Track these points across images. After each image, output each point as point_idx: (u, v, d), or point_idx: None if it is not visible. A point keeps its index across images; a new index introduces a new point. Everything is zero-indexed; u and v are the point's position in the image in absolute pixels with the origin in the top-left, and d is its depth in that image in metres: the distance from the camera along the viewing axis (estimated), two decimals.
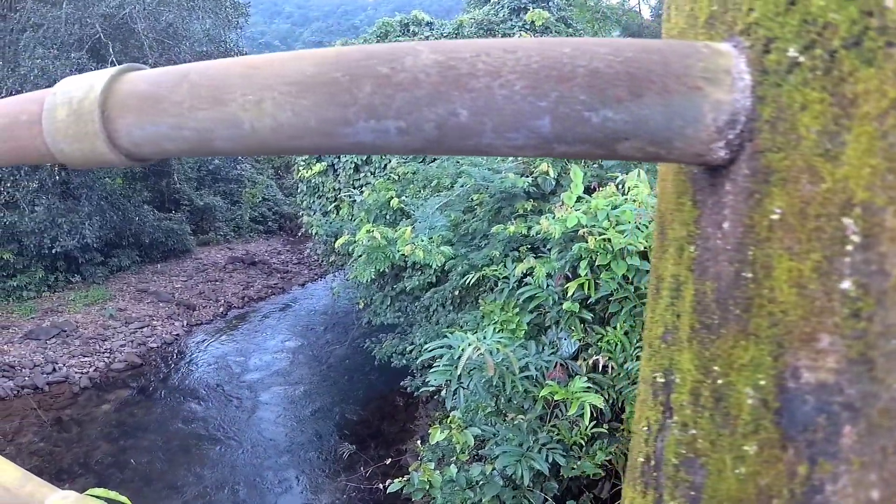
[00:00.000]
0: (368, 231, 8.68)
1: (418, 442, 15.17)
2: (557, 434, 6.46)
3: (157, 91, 0.94)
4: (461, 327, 8.93)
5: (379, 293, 13.91)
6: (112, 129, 0.97)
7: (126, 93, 0.97)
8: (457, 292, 9.85)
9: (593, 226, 6.46)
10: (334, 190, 19.48)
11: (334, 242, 17.22)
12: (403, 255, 8.43)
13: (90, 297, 26.05)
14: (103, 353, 22.90)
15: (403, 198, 11.83)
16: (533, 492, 6.52)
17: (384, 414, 18.06)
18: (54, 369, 21.68)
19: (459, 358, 5.93)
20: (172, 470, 17.03)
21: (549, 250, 7.54)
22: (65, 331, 23.65)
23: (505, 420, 6.88)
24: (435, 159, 13.63)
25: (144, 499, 16.02)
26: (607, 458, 6.42)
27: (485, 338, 6.13)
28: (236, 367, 22.20)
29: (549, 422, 6.53)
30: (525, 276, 7.77)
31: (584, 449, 6.44)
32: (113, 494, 4.01)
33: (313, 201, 20.26)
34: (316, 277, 30.07)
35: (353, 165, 18.91)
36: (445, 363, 6.23)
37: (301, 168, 20.13)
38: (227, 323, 26.07)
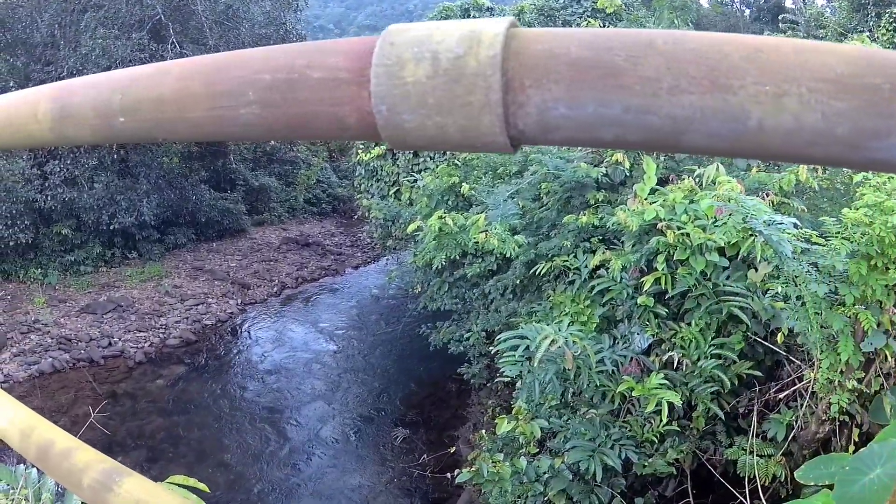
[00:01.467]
0: (440, 217, 8.57)
1: (474, 431, 15.20)
2: (629, 430, 6.38)
3: (611, 60, 0.65)
4: (527, 316, 8.85)
5: (436, 279, 13.85)
6: (516, 103, 0.68)
7: (544, 55, 0.67)
8: (518, 281, 9.75)
9: (671, 219, 6.33)
10: (392, 174, 19.34)
11: (392, 226, 17.19)
12: (476, 242, 8.25)
13: (146, 273, 26.38)
14: (158, 328, 23.17)
15: (471, 185, 11.68)
16: (601, 487, 6.47)
17: (436, 399, 18.07)
18: (110, 343, 22.00)
19: (536, 349, 5.83)
20: (224, 447, 17.18)
21: (623, 243, 7.44)
22: (121, 306, 23.94)
23: (575, 413, 6.81)
24: None
25: (196, 474, 16.05)
26: (676, 457, 6.36)
27: (560, 329, 6.04)
28: (289, 348, 22.32)
29: (622, 417, 6.46)
30: (597, 268, 7.67)
31: (655, 446, 6.37)
32: (192, 482, 4.04)
33: (371, 185, 20.15)
34: (369, 260, 30.16)
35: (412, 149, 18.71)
36: (520, 354, 6.12)
37: (360, 151, 20.05)
38: (281, 303, 26.21)
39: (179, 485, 3.82)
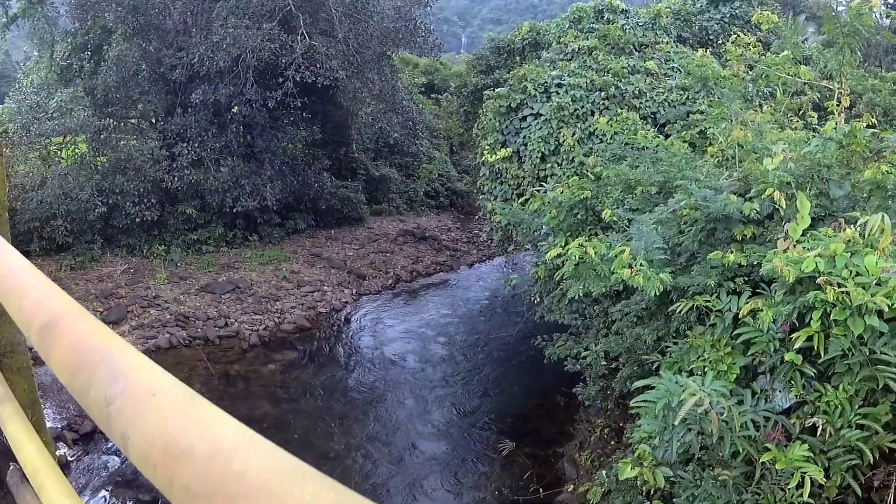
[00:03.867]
0: (580, 245, 8.33)
1: (580, 450, 14.99)
2: (762, 497, 6.11)
3: None
4: (659, 354, 8.57)
5: (557, 290, 13.31)
6: None
7: None
8: (646, 307, 9.45)
9: (830, 273, 6.04)
10: (517, 177, 19.11)
11: (513, 232, 17.01)
12: (620, 277, 7.97)
13: (265, 256, 26.85)
14: (274, 312, 23.55)
15: (611, 208, 11.33)
16: None
17: (544, 412, 17.83)
18: (226, 324, 22.49)
19: (678, 407, 5.59)
20: (328, 438, 17.31)
21: (773, 290, 7.05)
22: (239, 287, 24.39)
23: (704, 469, 6.57)
24: (627, 160, 13.22)
25: None
26: None
27: (703, 384, 5.82)
28: (400, 343, 22.42)
29: (756, 481, 6.20)
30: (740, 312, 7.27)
31: None
32: None
33: (494, 186, 19.91)
34: (484, 259, 30.06)
35: (539, 155, 18.56)
36: (660, 409, 5.85)
37: (486, 152, 19.79)
38: (395, 295, 26.35)
39: None
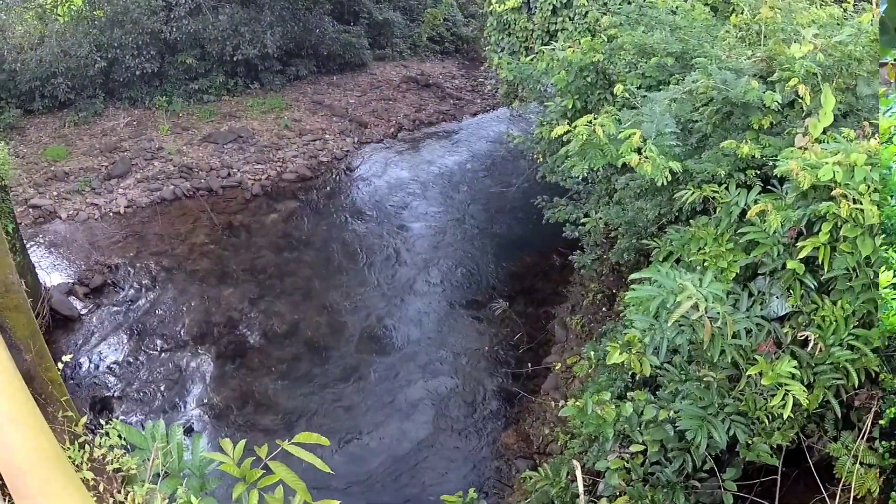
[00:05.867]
0: (588, 123, 8.05)
1: (572, 313, 15.11)
2: (743, 404, 6.17)
3: None
4: (659, 229, 8.51)
5: (561, 152, 13.34)
6: None
7: None
8: (650, 183, 9.21)
9: (847, 185, 5.85)
10: (525, 30, 18.33)
11: (519, 87, 16.64)
12: (623, 159, 7.70)
13: (267, 104, 26.69)
14: (276, 161, 23.66)
15: (623, 80, 10.88)
16: (698, 449, 6.41)
17: (539, 271, 18.15)
18: (229, 174, 22.65)
19: (673, 307, 5.65)
20: (329, 288, 17.69)
21: (785, 190, 6.80)
22: (241, 136, 24.38)
23: (690, 364, 6.66)
24: (644, 24, 12.77)
25: (301, 313, 16.69)
26: (780, 442, 6.19)
27: (701, 284, 5.80)
28: (401, 192, 22.58)
29: (740, 388, 6.25)
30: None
31: (762, 424, 6.22)
32: (315, 437, 4.19)
33: (502, 38, 19.12)
34: (488, 108, 29.70)
35: (550, 7, 17.51)
36: (654, 307, 5.88)
37: (494, 1, 18.89)
38: (397, 144, 26.31)
39: (301, 444, 3.96)
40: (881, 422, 6.12)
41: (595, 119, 8.01)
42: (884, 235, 5.95)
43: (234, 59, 25.80)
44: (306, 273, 18.32)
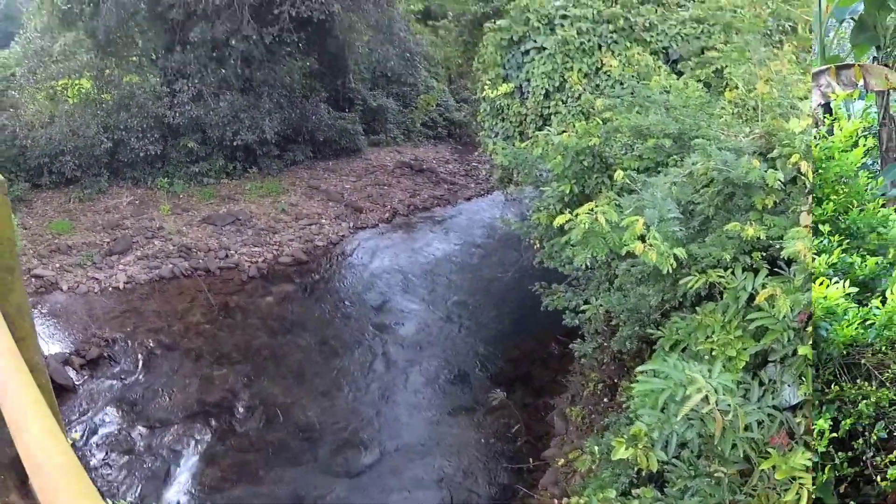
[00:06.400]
0: (590, 211, 7.93)
1: (572, 404, 14.81)
2: (755, 499, 6.00)
3: None
4: (663, 315, 8.44)
5: (559, 237, 12.29)
6: None
7: None
8: (653, 269, 9.01)
9: None
10: (519, 114, 18.29)
11: (515, 172, 16.54)
12: (627, 247, 7.51)
13: (265, 188, 27.05)
14: (272, 245, 23.85)
15: (623, 167, 10.78)
16: None
17: (536, 358, 17.99)
18: (227, 255, 22.85)
19: (683, 400, 5.51)
20: (322, 373, 17.61)
21: (793, 273, 6.78)
22: (239, 219, 24.66)
23: (699, 458, 6.51)
24: (639, 105, 12.74)
25: (294, 396, 16.64)
26: None
27: (710, 375, 5.67)
28: (396, 279, 22.59)
29: (752, 481, 6.05)
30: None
31: None
32: None
33: (495, 123, 19.05)
34: (482, 193, 29.91)
35: (543, 91, 17.55)
36: (662, 401, 5.74)
37: (486, 87, 18.92)
38: (392, 230, 26.46)
39: None
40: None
41: (596, 207, 7.91)
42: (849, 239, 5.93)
43: (234, 143, 26.37)
44: (300, 357, 18.27)
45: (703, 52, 16.62)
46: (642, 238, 7.38)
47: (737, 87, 11.59)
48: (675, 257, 7.26)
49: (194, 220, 24.52)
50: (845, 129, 7.70)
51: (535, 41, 18.07)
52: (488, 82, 19.00)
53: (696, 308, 7.87)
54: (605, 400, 13.38)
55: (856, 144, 7.33)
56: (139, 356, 17.87)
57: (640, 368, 6.34)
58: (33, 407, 2.69)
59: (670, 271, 7.45)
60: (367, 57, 34.41)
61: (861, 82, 9.62)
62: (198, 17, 25.08)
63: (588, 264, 11.39)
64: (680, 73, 16.23)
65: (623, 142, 11.67)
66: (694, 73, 15.70)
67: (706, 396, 5.47)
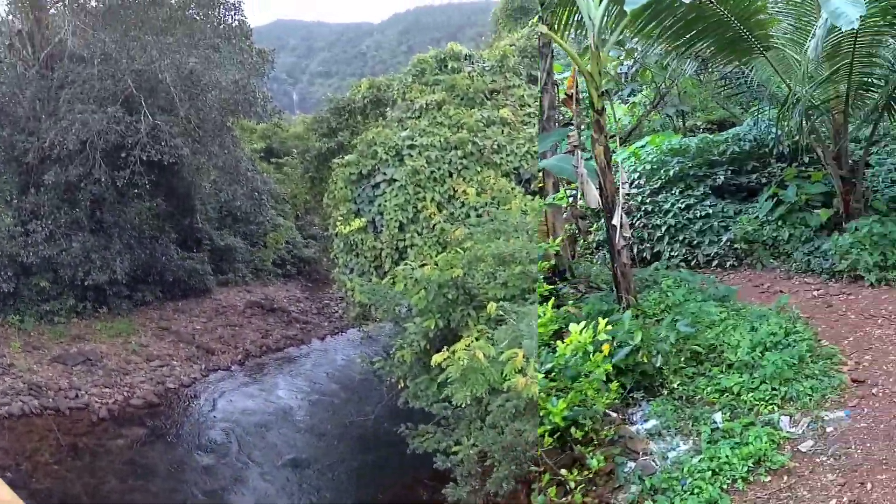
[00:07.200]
0: (466, 347, 7.96)
1: None
2: None
3: None
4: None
5: (424, 376, 12.19)
6: None
7: None
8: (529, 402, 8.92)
9: None
10: (374, 249, 18.19)
11: (373, 310, 16.13)
12: (508, 382, 7.51)
13: (115, 328, 26.57)
14: (124, 386, 23.33)
15: (494, 297, 10.97)
16: None
17: None
18: (77, 395, 22.30)
19: None
20: None
21: None
22: (90, 359, 24.19)
23: None
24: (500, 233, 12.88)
25: None
26: None
27: None
28: (249, 425, 22.08)
29: None
30: None
31: None
32: None
33: (350, 259, 18.85)
34: (336, 331, 30.04)
35: (397, 224, 17.61)
36: None
37: (339, 223, 18.89)
38: (244, 372, 26.18)
39: None
40: None
41: (473, 342, 7.93)
42: None
43: (85, 283, 26.02)
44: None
45: None
46: (522, 371, 7.52)
47: None
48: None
49: (45, 359, 23.86)
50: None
51: (384, 173, 18.23)
52: (340, 218, 18.94)
53: None
54: None
55: None
56: None
57: None
58: None
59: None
60: (214, 197, 34.39)
61: None
62: (52, 161, 25.26)
63: (456, 402, 11.16)
64: (535, 193, 16.69)
65: (487, 271, 11.69)
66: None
67: None
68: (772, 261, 17.71)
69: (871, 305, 14.20)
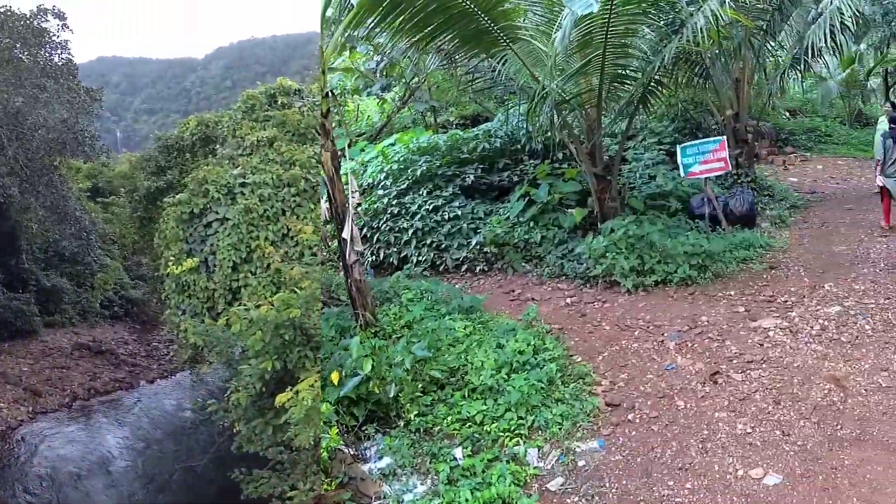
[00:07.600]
0: (311, 386, 7.90)
1: None
2: None
3: None
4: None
5: (259, 419, 11.83)
6: None
7: None
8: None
9: None
10: (207, 289, 17.73)
11: (207, 352, 15.67)
12: None
13: None
14: None
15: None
16: None
17: None
18: None
19: None
20: None
21: None
22: None
23: None
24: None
25: None
26: None
27: None
28: (77, 471, 20.96)
29: None
30: None
31: None
32: None
33: (182, 300, 18.31)
34: (166, 374, 29.41)
35: (230, 264, 17.17)
36: None
37: (170, 263, 18.19)
38: (72, 416, 25.22)
39: None
40: None
41: (315, 382, 8.01)
42: None
43: None
44: None
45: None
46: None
47: None
48: None
49: None
50: None
51: (216, 212, 17.81)
52: (172, 258, 18.32)
53: None
54: None
55: None
56: None
57: None
58: None
59: None
60: (41, 236, 33.42)
61: None
62: None
63: (289, 444, 10.90)
64: None
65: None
66: None
67: None
68: (524, 265, 17.55)
69: (627, 314, 14.01)
